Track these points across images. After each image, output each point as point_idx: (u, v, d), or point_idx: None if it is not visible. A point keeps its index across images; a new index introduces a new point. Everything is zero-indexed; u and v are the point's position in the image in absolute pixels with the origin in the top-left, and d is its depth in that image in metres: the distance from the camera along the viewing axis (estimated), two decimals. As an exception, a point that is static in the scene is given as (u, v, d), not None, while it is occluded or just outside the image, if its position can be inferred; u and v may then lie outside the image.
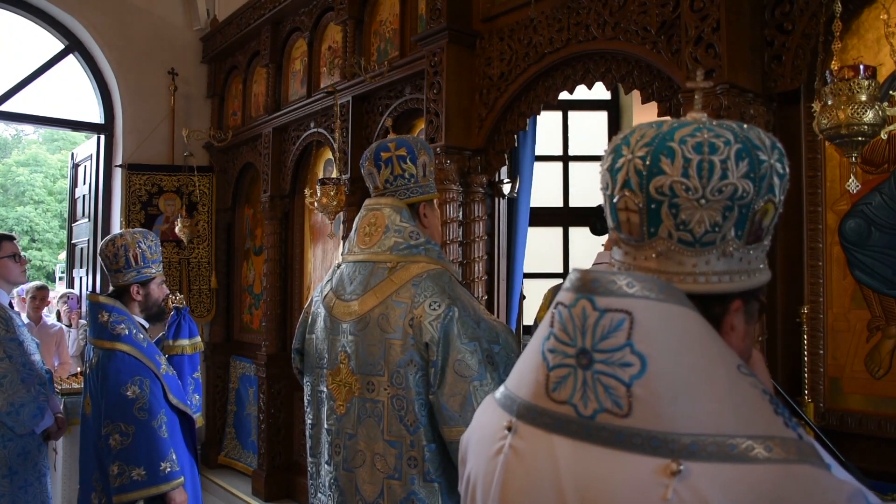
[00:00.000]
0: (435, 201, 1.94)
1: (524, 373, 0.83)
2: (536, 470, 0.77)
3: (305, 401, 1.95)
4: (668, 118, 0.86)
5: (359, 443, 1.73)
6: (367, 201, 1.90)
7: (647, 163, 0.76)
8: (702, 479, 0.66)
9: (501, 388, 0.89)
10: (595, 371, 0.73)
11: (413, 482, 1.67)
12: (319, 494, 1.87)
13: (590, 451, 0.72)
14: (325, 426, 1.83)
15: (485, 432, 0.88)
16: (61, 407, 3.52)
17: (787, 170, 0.79)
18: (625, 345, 0.72)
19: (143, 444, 2.32)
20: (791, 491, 0.66)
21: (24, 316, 4.67)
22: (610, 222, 0.84)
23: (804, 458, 0.67)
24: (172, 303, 2.77)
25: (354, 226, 1.89)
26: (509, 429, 0.81)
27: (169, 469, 2.34)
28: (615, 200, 0.80)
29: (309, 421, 1.92)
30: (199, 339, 2.77)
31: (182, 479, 2.38)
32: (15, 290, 4.95)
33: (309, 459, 1.92)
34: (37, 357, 3.00)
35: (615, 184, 0.79)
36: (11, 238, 3.07)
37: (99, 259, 2.90)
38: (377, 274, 1.76)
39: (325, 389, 1.83)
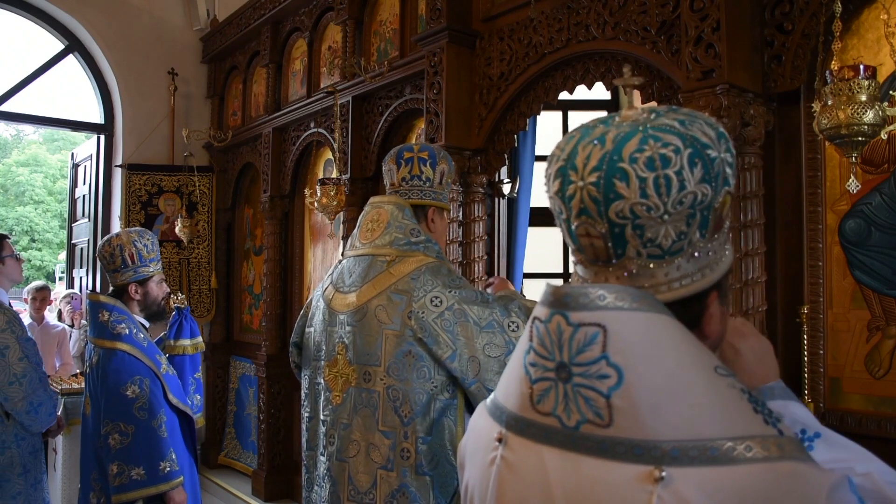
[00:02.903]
0: (445, 213, 1.98)
1: (510, 384, 0.84)
2: (528, 480, 0.78)
3: (303, 395, 1.95)
4: (602, 115, 0.85)
5: (353, 433, 1.74)
6: (371, 199, 1.93)
7: (602, 189, 0.74)
8: (685, 483, 0.67)
9: (492, 397, 0.90)
10: (575, 384, 0.74)
11: (405, 474, 1.68)
12: (315, 487, 1.87)
13: (577, 461, 0.73)
14: (321, 417, 1.84)
15: (479, 441, 0.89)
16: (60, 407, 3.53)
17: (734, 150, 0.79)
18: (600, 357, 0.72)
19: (142, 443, 2.32)
20: (773, 488, 0.66)
21: (26, 316, 4.68)
22: (571, 245, 0.83)
23: (785, 454, 0.68)
24: (174, 303, 2.77)
25: (358, 222, 1.92)
26: (500, 440, 0.83)
27: (168, 469, 2.34)
28: (574, 227, 0.79)
29: (306, 414, 1.93)
30: (200, 339, 2.77)
31: (181, 478, 2.38)
32: (27, 293, 4.97)
33: (305, 453, 1.93)
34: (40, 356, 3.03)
35: (570, 210, 0.78)
36: (6, 237, 3.10)
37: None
38: (376, 267, 1.78)
39: (321, 381, 1.84)
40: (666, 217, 0.74)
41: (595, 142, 0.77)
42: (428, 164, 1.90)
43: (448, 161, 1.96)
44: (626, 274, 0.78)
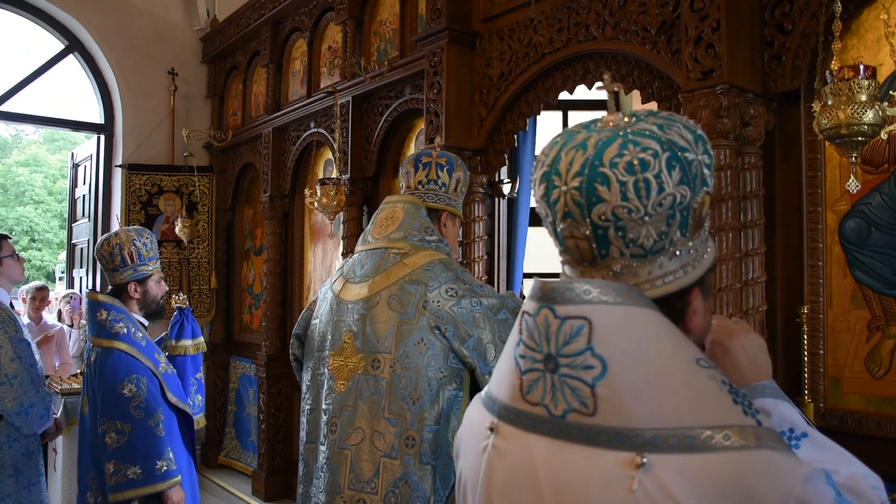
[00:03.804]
0: (458, 220, 2.04)
1: (502, 376, 0.87)
2: (517, 466, 0.81)
3: (304, 388, 1.95)
4: (587, 120, 0.87)
5: (358, 420, 1.75)
6: (387, 197, 1.99)
7: (584, 193, 0.78)
8: (665, 470, 0.70)
9: (486, 389, 0.94)
10: (561, 374, 0.77)
11: (409, 463, 1.69)
12: (315, 480, 1.86)
13: (563, 448, 0.77)
14: (323, 407, 1.85)
15: (473, 431, 0.92)
16: (61, 407, 3.52)
17: (712, 151, 0.82)
18: (586, 349, 0.76)
19: (139, 442, 2.32)
20: (750, 476, 0.69)
21: (24, 317, 4.67)
22: (557, 246, 0.87)
23: (763, 443, 0.71)
24: (176, 303, 2.77)
25: (372, 219, 1.96)
26: (492, 429, 0.86)
27: (165, 468, 2.34)
28: (560, 229, 0.83)
29: (307, 407, 1.93)
30: (201, 339, 2.77)
31: (179, 477, 2.38)
32: (26, 293, 4.97)
33: (304, 446, 1.92)
34: (37, 357, 3.01)
35: (555, 214, 0.82)
36: (7, 237, 3.10)
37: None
38: (389, 259, 1.82)
39: (325, 371, 1.85)
40: (647, 218, 0.77)
41: (577, 147, 0.81)
42: (445, 169, 1.96)
43: (464, 170, 2.02)
44: (610, 273, 0.82)
